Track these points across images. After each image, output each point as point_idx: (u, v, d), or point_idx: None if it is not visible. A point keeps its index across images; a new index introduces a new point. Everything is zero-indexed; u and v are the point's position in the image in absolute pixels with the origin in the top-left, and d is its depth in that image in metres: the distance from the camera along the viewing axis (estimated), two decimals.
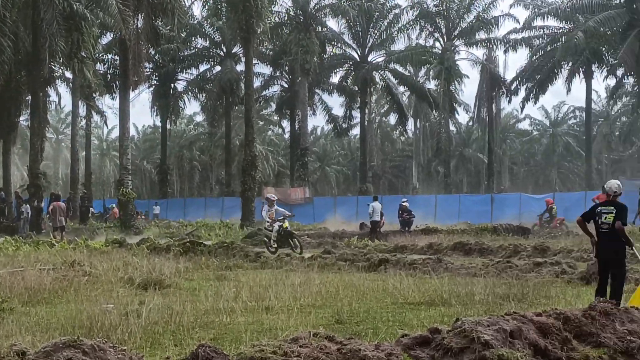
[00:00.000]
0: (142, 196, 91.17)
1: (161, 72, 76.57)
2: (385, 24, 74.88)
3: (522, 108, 79.97)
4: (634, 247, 14.87)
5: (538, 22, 68.17)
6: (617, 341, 11.00)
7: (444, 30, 73.85)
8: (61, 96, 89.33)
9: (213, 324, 13.23)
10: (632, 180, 56.95)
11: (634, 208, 51.26)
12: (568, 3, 64.88)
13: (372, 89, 78.51)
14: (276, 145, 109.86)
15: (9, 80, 49.82)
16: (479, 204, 65.51)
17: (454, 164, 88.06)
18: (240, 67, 70.67)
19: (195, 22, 74.63)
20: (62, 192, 69.46)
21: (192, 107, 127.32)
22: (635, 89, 65.22)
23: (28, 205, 49.68)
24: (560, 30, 66.24)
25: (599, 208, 15.10)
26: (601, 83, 74.40)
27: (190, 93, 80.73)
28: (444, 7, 72.83)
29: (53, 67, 53.09)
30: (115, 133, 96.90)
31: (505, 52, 73.52)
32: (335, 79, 78.23)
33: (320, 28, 72.34)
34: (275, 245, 31.36)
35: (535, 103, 74.26)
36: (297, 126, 76.39)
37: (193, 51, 78.09)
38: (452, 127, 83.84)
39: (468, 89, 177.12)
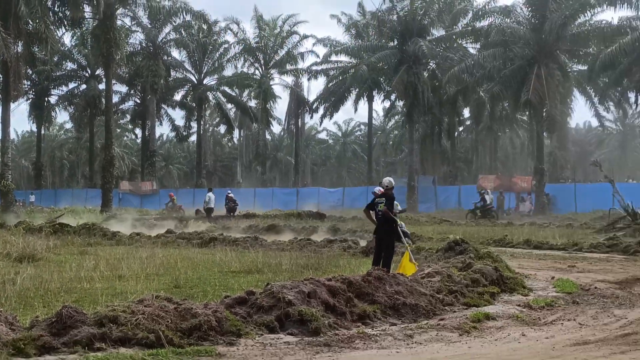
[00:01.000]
0: (20, 187, 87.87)
1: (37, 88, 74.08)
2: (217, 55, 74.76)
3: (321, 122, 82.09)
4: (398, 225, 15.32)
5: (333, 58, 69.25)
6: (387, 299, 11.30)
7: (262, 61, 74.10)
8: None
9: (75, 289, 12.84)
10: (401, 178, 58.75)
11: (402, 198, 53.01)
12: (355, 44, 66.18)
13: (206, 105, 78.52)
14: (130, 148, 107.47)
15: None
16: (288, 195, 66.14)
17: (269, 164, 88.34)
18: (102, 86, 68.95)
19: (66, 49, 72.57)
20: None
21: (62, 117, 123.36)
22: (403, 109, 67.01)
23: None
24: (350, 64, 67.39)
25: (377, 200, 15.51)
26: (380, 104, 76.38)
27: (61, 105, 78.49)
28: (263, 44, 73.22)
29: None
30: None
31: (308, 79, 74.65)
32: (178, 97, 77.54)
33: (166, 57, 71.59)
34: None
35: (330, 119, 75.36)
36: (147, 133, 75.23)
37: (64, 72, 75.85)
38: (268, 136, 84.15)
39: (280, 107, 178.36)
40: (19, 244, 20.32)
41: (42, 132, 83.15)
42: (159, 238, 26.45)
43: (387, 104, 72.97)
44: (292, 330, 9.64)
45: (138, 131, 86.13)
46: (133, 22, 66.10)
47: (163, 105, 76.30)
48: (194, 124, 78.09)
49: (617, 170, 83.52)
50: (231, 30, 74.01)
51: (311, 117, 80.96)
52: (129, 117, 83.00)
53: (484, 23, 58.72)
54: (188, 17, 64.71)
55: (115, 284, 13.45)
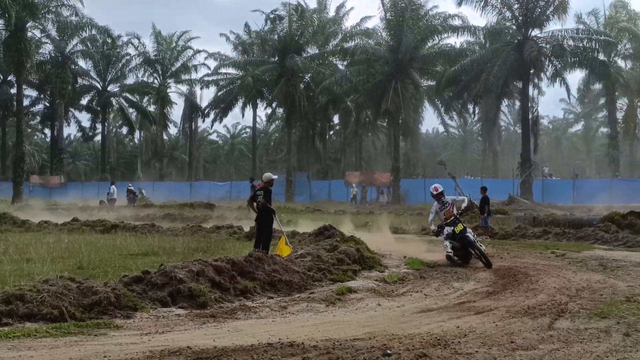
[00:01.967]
0: None
1: None
2: (120, 65, 72.77)
3: (212, 125, 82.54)
4: (275, 215, 15.34)
5: (222, 70, 68.54)
6: (265, 277, 11.34)
7: (160, 72, 72.39)
8: None
9: None
10: (281, 174, 58.57)
11: (281, 191, 53.20)
12: (242, 58, 65.70)
13: (110, 109, 76.29)
14: (40, 145, 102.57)
15: None
16: (182, 188, 65.29)
17: (166, 161, 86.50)
18: (13, 90, 65.61)
19: None
20: None
21: None
22: (283, 115, 67.14)
23: None
24: (237, 76, 66.77)
25: (257, 192, 15.48)
26: (263, 111, 75.84)
27: None
28: (160, 57, 71.69)
29: None
30: None
31: (201, 88, 73.28)
32: (84, 101, 74.64)
33: (73, 66, 68.93)
34: None
35: (220, 122, 74.63)
36: (55, 133, 72.41)
37: None
38: (165, 137, 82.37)
39: (176, 112, 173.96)
40: None
41: None
42: (65, 225, 25.54)
43: (269, 110, 72.71)
44: (182, 304, 9.58)
45: (47, 131, 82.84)
46: (43, 34, 63.17)
47: (70, 109, 73.43)
48: (99, 126, 75.82)
49: (458, 168, 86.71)
50: (132, 44, 72.17)
51: (203, 121, 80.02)
52: (39, 118, 79.57)
53: (351, 44, 59.89)
54: (94, 32, 62.41)
55: (23, 267, 12.86)
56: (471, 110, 61.14)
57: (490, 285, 12.08)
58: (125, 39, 72.21)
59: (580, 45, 50.28)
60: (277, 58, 61.31)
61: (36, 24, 56.68)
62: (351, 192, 51.24)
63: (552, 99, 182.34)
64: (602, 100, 72.18)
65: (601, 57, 52.74)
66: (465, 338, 7.54)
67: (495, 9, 50.30)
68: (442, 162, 55.58)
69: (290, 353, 6.75)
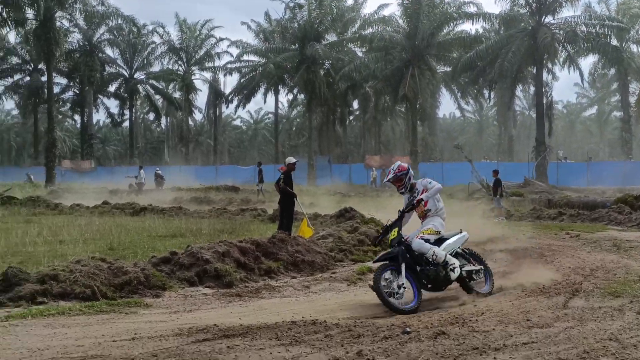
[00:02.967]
0: None
1: None
2: (146, 53, 73.02)
3: (236, 111, 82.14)
4: (296, 198, 15.37)
5: (245, 57, 68.48)
6: (288, 257, 11.38)
7: (184, 59, 72.64)
8: None
9: (21, 253, 12.36)
10: (302, 158, 58.45)
11: (304, 175, 53.25)
12: (263, 46, 65.64)
13: (137, 96, 76.70)
14: (71, 131, 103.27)
15: None
16: (207, 172, 65.37)
17: (192, 146, 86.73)
18: (44, 78, 66.09)
19: (11, 45, 69.26)
20: None
21: (9, 104, 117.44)
22: (304, 101, 67.01)
23: None
24: (259, 63, 66.73)
25: (280, 175, 15.50)
26: (284, 97, 75.81)
27: (7, 94, 74.90)
28: (185, 45, 71.87)
29: None
30: None
31: (224, 75, 73.77)
32: (112, 88, 75.05)
33: (101, 54, 69.36)
34: None
35: (243, 108, 75.13)
36: (85, 119, 72.93)
37: (9, 65, 72.13)
38: (190, 123, 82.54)
39: (201, 98, 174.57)
40: None
41: None
42: (96, 208, 25.76)
43: (290, 96, 72.57)
44: (209, 284, 9.65)
45: (78, 118, 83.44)
46: (71, 24, 63.38)
47: (99, 96, 73.99)
48: (127, 112, 76.28)
49: (475, 152, 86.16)
50: (157, 32, 72.42)
51: (227, 107, 79.89)
52: (69, 105, 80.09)
53: (369, 31, 59.34)
54: (120, 21, 62.61)
55: (56, 248, 13.02)
56: (487, 95, 60.68)
57: (507, 266, 12.02)
58: (150, 27, 72.53)
59: (593, 31, 49.67)
60: (297, 45, 61.08)
61: (64, 14, 56.93)
62: (371, 176, 51.20)
63: (566, 84, 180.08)
64: (614, 85, 71.30)
65: (614, 42, 52.08)
66: (482, 316, 7.53)
67: None
68: (458, 145, 55.30)
69: (313, 330, 6.78)
